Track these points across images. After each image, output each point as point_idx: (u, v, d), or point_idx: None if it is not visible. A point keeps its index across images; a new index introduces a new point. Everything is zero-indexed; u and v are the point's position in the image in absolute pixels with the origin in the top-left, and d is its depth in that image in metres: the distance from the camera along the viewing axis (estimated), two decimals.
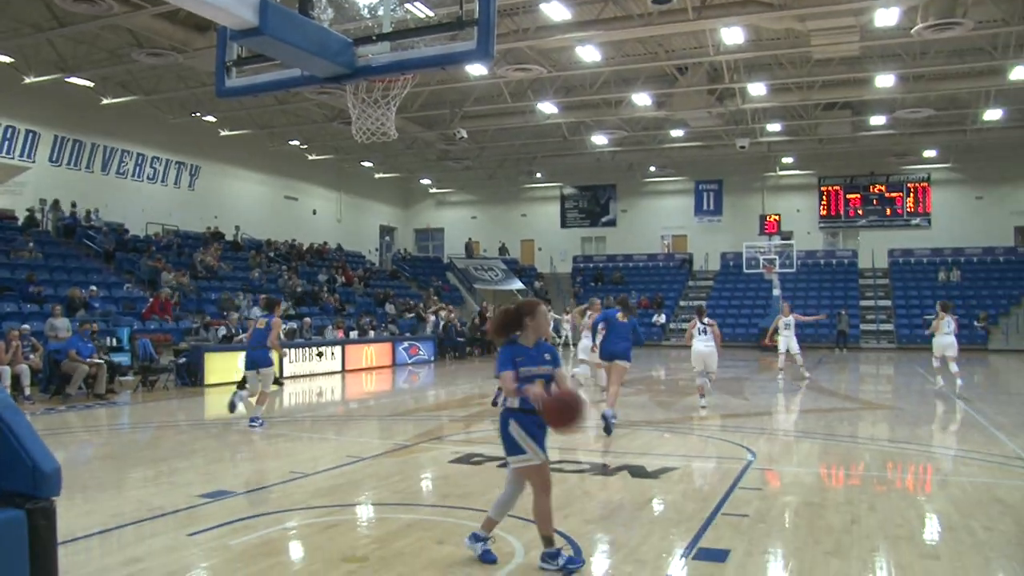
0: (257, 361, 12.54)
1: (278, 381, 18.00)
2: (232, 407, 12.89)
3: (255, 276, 30.13)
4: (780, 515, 7.26)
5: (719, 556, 6.00)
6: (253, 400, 12.80)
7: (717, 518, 7.10)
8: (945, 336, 16.99)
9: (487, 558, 5.78)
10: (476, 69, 24.70)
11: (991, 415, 13.91)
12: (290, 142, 36.54)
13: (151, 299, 23.27)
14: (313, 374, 23.12)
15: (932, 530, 6.86)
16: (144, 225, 30.61)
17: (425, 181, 47.93)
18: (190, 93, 28.05)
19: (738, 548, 6.19)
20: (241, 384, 14.04)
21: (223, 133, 33.15)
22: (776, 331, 21.50)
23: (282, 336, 16.87)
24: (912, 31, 21.29)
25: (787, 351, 20.99)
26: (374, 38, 5.87)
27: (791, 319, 21.25)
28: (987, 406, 15.34)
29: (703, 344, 14.45)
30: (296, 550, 6.34)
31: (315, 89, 22.15)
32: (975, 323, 34.32)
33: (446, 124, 32.44)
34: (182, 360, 19.61)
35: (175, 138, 31.89)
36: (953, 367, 16.70)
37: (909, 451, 10.78)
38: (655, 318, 39.76)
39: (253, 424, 12.44)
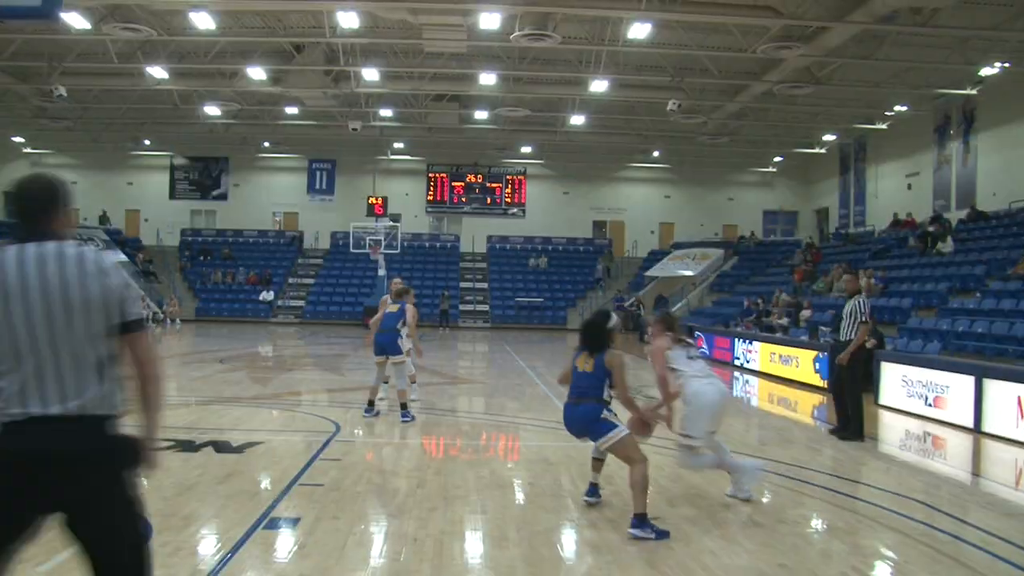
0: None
1: None
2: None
3: None
4: (353, 483, 7.78)
5: (289, 524, 6.37)
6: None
7: (294, 488, 7.47)
8: None
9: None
10: (77, 22, 22.86)
11: (556, 386, 15.62)
12: None
13: None
14: None
15: (484, 488, 7.71)
16: None
17: (18, 139, 43.37)
18: None
19: (308, 515, 6.58)
20: None
21: None
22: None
23: None
24: (511, 37, 23.05)
25: None
26: None
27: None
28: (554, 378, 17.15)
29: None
30: None
31: None
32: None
33: (44, 79, 29.63)
34: None
35: None
36: None
37: (486, 421, 11.91)
38: (263, 295, 39.51)
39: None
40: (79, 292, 3.01)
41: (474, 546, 6.09)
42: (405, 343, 11.52)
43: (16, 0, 5.36)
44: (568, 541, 6.34)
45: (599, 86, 28.56)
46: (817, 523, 7.16)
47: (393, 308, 11.54)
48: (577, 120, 34.47)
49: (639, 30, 22.80)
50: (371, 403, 11.54)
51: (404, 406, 11.28)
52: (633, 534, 6.20)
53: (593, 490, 7.17)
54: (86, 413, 3.02)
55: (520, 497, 7.53)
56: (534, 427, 11.38)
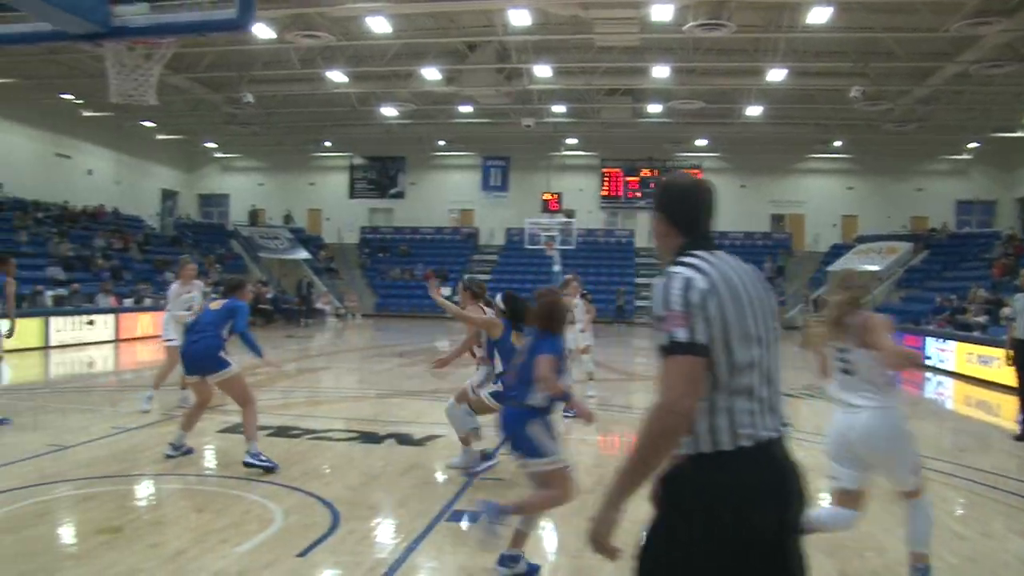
0: None
1: None
2: None
3: (22, 239, 28.24)
4: None
5: (471, 518, 6.37)
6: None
7: (475, 482, 7.50)
8: None
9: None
10: (263, 32, 24.08)
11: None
12: (62, 95, 34.24)
13: None
14: (83, 343, 22.04)
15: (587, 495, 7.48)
16: None
17: (210, 145, 46.16)
18: None
19: None
20: None
21: None
22: None
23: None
24: (684, 28, 22.58)
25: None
26: None
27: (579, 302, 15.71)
28: None
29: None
30: (47, 524, 6.20)
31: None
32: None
33: (233, 87, 31.43)
34: None
35: None
36: None
37: None
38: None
39: None
40: (771, 304, 2.80)
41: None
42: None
43: (214, 15, 5.61)
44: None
45: (776, 75, 27.58)
46: None
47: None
48: (754, 111, 33.46)
49: (819, 14, 21.85)
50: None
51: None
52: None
53: None
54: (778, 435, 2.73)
55: None
56: None
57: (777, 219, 43.78)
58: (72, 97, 34.36)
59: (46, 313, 21.86)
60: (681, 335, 2.54)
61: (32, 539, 5.73)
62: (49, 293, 23.88)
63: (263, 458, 7.67)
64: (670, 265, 2.73)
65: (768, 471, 2.61)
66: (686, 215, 2.89)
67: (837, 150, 40.92)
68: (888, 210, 42.05)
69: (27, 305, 22.16)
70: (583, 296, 13.69)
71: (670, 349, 2.55)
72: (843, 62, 26.46)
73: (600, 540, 2.67)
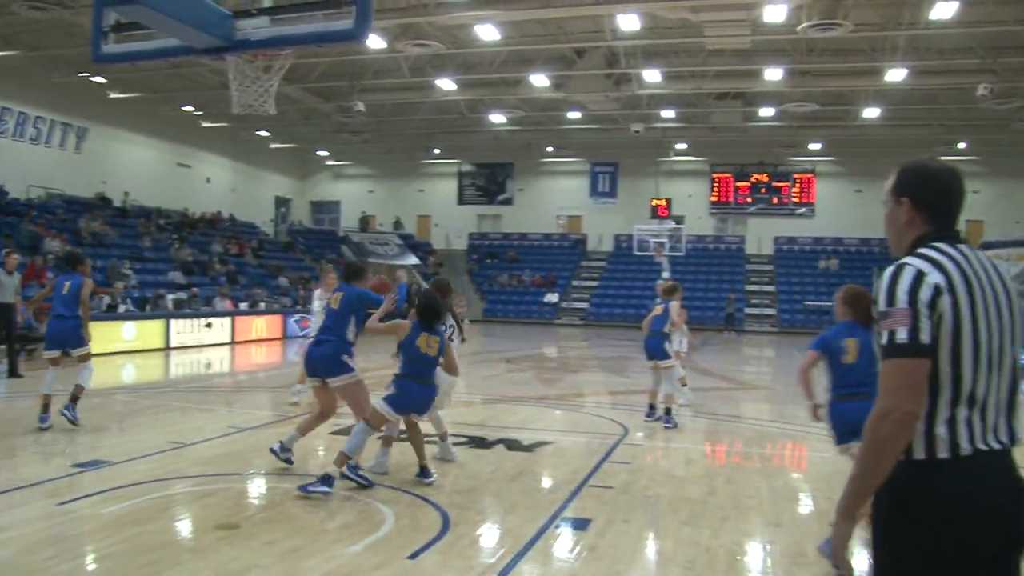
0: None
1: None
2: None
3: (145, 245, 29.45)
4: (644, 487, 7.63)
5: (581, 525, 6.32)
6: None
7: (584, 490, 7.43)
8: None
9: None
10: (374, 43, 24.54)
11: None
12: (183, 107, 35.60)
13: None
14: (201, 345, 22.82)
15: (779, 500, 7.31)
16: (25, 188, 29.48)
17: (322, 153, 47.35)
18: (77, 51, 26.89)
19: (600, 518, 6.51)
20: None
21: (112, 95, 32.08)
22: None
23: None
24: (798, 29, 22.06)
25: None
26: (254, 12, 5.93)
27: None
28: None
29: None
30: (168, 518, 6.40)
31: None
32: None
33: (344, 96, 32.14)
34: None
35: (61, 98, 30.69)
36: None
37: (773, 429, 11.36)
38: (547, 297, 40.37)
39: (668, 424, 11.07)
40: (1016, 310, 2.56)
41: (770, 561, 5.75)
42: (672, 347, 11.25)
43: (332, 26, 5.75)
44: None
45: (896, 75, 26.65)
46: None
47: (658, 310, 11.26)
48: (871, 113, 32.44)
49: (943, 9, 21.02)
50: (652, 407, 11.30)
51: (668, 411, 10.94)
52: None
53: None
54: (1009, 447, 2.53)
55: (817, 512, 7.03)
56: (829, 438, 10.66)
57: None
58: (192, 109, 35.71)
59: (167, 316, 22.69)
60: (903, 335, 2.35)
61: (155, 532, 5.91)
62: (170, 296, 24.77)
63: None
64: (905, 256, 2.52)
65: (991, 482, 2.40)
66: (937, 202, 2.62)
67: (962, 152, 39.22)
68: (1017, 214, 40.09)
69: (150, 308, 23.06)
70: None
71: (890, 350, 2.39)
72: (969, 58, 25.38)
73: (837, 554, 2.55)
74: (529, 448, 9.24)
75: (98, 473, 7.63)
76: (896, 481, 2.43)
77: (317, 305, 12.18)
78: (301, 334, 27.43)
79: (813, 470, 8.84)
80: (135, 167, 35.37)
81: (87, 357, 10.24)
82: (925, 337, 2.35)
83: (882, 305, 2.43)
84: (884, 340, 2.39)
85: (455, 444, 9.22)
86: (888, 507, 2.46)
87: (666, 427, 10.73)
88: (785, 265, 41.74)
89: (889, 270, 2.47)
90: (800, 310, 38.43)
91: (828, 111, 33.20)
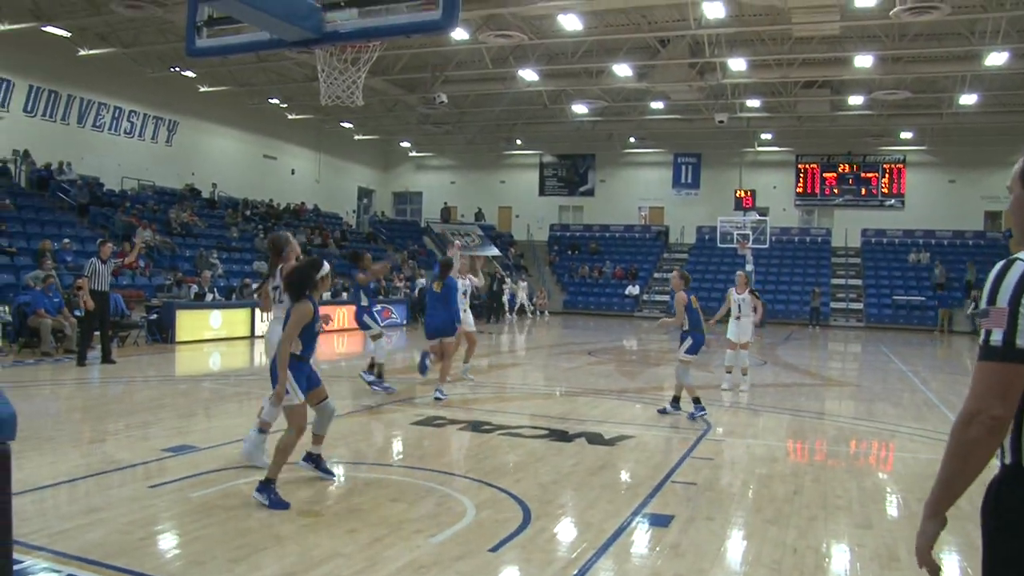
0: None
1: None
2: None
3: (232, 235, 30.11)
4: (728, 484, 7.50)
5: (663, 521, 6.22)
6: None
7: (666, 485, 7.33)
8: None
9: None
10: (458, 34, 24.64)
11: (945, 395, 14.26)
12: (270, 100, 36.29)
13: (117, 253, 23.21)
14: None
15: (868, 501, 7.10)
16: (120, 180, 30.43)
17: (405, 144, 47.79)
18: (169, 47, 27.74)
19: (682, 514, 6.41)
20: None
21: (202, 89, 32.89)
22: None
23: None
24: (891, 13, 21.42)
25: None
26: (342, 4, 5.97)
27: (746, 296, 14.37)
28: (942, 385, 15.72)
29: None
30: (254, 504, 6.49)
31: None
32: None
33: (427, 88, 32.34)
34: (153, 316, 19.66)
35: (153, 92, 31.61)
36: None
37: (861, 427, 11.08)
38: (628, 289, 40.09)
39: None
40: None
41: (860, 564, 5.57)
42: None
43: (419, 17, 5.76)
44: (953, 570, 5.57)
45: (997, 59, 25.66)
46: None
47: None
48: (968, 99, 31.38)
49: None
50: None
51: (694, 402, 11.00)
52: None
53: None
54: None
55: (909, 514, 6.80)
56: (920, 438, 10.35)
57: (991, 216, 40.64)
58: (278, 101, 36.38)
59: (253, 305, 23.12)
60: (997, 337, 2.21)
61: (241, 517, 6.01)
62: (255, 286, 25.26)
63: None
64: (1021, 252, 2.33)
65: None
66: None
67: None
68: None
69: (236, 296, 23.54)
70: (752, 292, 14.30)
71: (984, 352, 2.26)
72: None
73: (921, 554, 2.46)
74: (611, 442, 9.16)
75: (187, 458, 7.81)
76: (992, 484, 2.35)
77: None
78: (383, 324, 27.78)
79: (904, 470, 8.57)
80: (223, 159, 36.24)
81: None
82: (1022, 341, 2.20)
83: (984, 302, 2.31)
84: (981, 339, 2.27)
85: (536, 437, 9.19)
86: (985, 510, 2.37)
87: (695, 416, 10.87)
88: (873, 258, 40.66)
89: (998, 266, 2.31)
90: (889, 305, 37.41)
91: (921, 98, 32.24)
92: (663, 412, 11.17)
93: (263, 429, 7.61)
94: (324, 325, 6.80)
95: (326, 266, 6.86)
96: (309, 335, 6.58)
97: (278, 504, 6.22)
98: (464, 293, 13.61)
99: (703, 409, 10.88)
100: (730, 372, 14.00)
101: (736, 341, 13.95)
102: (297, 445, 6.59)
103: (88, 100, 29.56)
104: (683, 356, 11.00)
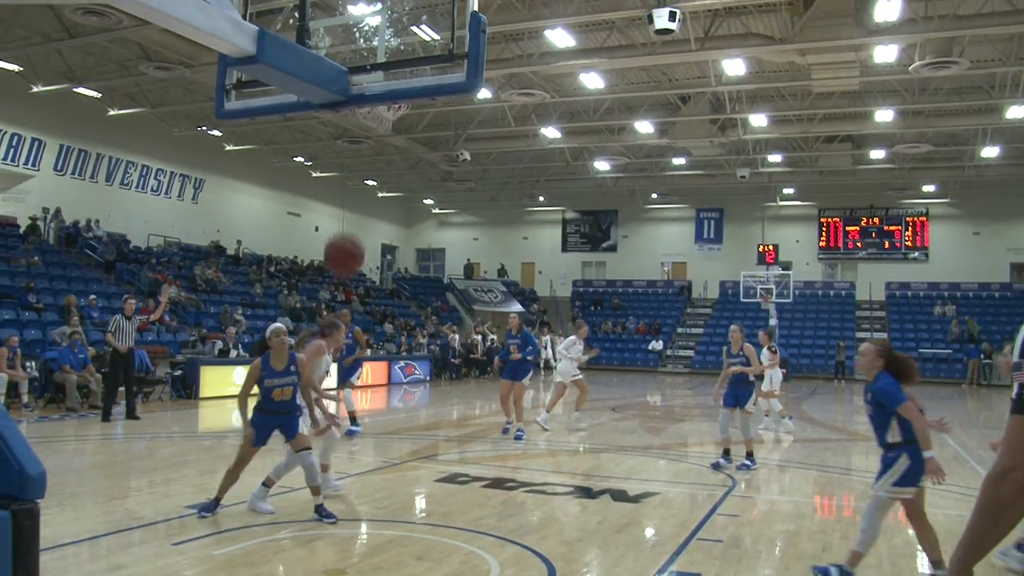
0: None
1: None
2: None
3: (256, 291, 30.33)
4: (754, 542, 7.39)
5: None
6: None
7: (692, 543, 7.24)
8: None
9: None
10: (480, 92, 24.92)
11: (975, 449, 14.04)
12: (295, 158, 36.80)
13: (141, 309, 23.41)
14: None
15: (899, 559, 6.99)
16: (146, 237, 30.81)
17: (428, 201, 48.18)
18: (196, 107, 28.29)
19: (708, 572, 6.32)
20: None
21: (228, 147, 33.42)
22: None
23: None
24: (910, 68, 21.55)
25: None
26: (368, 67, 6.07)
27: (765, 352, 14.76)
28: (973, 440, 15.49)
29: None
30: (277, 562, 6.47)
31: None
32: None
33: (450, 145, 32.73)
34: (178, 372, 19.76)
35: (180, 151, 32.14)
36: None
37: None
38: (652, 344, 39.91)
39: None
40: None
41: None
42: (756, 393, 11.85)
43: (444, 80, 5.89)
44: None
45: (1017, 111, 25.73)
46: None
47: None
48: (990, 152, 31.38)
49: None
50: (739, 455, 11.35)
51: (750, 454, 11.17)
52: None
53: None
54: None
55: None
56: (949, 493, 10.18)
57: (1018, 268, 40.31)
58: (303, 159, 36.87)
59: None
60: None
61: (265, 574, 6.00)
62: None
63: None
64: None
65: None
66: None
67: None
68: None
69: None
70: (770, 349, 15.33)
71: (1016, 405, 2.22)
72: None
73: None
74: (635, 499, 9.07)
75: (211, 515, 7.79)
76: None
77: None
78: (405, 381, 27.79)
79: (934, 527, 8.41)
80: (248, 216, 36.66)
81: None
82: None
83: (1016, 355, 2.29)
84: (1013, 393, 2.25)
85: (561, 494, 9.13)
86: None
87: (742, 468, 10.98)
88: (898, 312, 40.35)
89: None
90: (915, 358, 36.93)
91: (943, 151, 32.26)
92: (716, 467, 11.15)
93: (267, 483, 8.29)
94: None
95: (273, 327, 7.93)
96: (263, 389, 7.76)
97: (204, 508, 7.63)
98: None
99: (755, 463, 11.13)
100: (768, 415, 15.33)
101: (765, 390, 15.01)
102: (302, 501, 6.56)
103: (116, 159, 30.07)
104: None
